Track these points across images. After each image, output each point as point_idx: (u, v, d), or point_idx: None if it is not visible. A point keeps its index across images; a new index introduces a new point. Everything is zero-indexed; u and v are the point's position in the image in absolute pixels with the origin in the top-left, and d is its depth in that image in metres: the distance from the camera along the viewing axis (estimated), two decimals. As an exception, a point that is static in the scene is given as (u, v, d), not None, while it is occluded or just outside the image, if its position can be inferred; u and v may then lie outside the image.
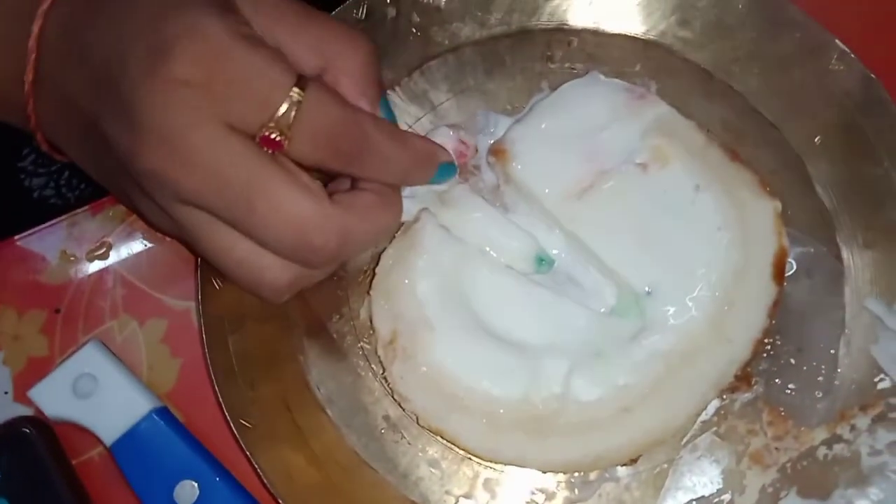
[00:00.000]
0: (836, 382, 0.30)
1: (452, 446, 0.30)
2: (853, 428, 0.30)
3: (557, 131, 0.32)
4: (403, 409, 0.30)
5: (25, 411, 0.32)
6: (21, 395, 0.33)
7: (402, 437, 0.31)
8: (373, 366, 0.32)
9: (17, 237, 0.36)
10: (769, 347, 0.31)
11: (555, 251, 0.31)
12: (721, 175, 0.31)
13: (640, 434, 0.28)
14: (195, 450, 0.30)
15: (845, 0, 0.38)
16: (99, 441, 0.31)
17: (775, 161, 0.34)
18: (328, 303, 0.33)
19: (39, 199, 0.58)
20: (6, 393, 0.33)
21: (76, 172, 0.59)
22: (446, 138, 0.33)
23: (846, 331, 0.31)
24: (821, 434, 0.30)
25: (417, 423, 0.30)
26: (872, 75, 0.33)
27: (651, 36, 0.36)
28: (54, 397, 0.30)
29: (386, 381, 0.31)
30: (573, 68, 0.36)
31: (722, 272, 0.29)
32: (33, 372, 0.33)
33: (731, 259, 0.29)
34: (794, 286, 0.32)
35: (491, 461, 0.29)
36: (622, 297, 0.30)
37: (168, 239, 0.35)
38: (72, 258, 0.35)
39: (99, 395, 0.30)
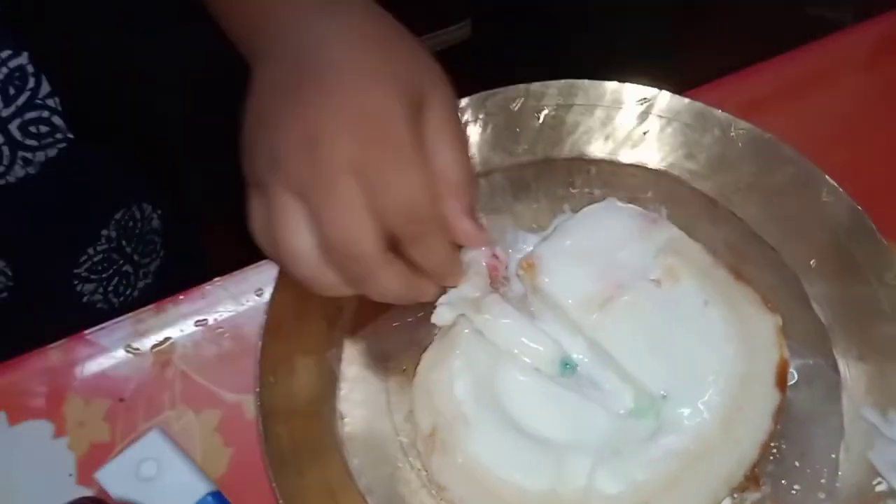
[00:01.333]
0: (838, 485, 0.33)
1: (484, 536, 0.32)
2: (855, 527, 0.32)
3: (580, 249, 0.36)
4: (441, 499, 0.33)
5: (88, 493, 0.35)
6: (84, 478, 0.35)
7: (437, 526, 0.33)
8: (409, 458, 0.35)
9: (86, 332, 0.39)
10: (775, 451, 0.34)
11: (577, 356, 0.35)
12: (726, 292, 0.35)
13: (658, 527, 0.31)
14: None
15: (834, 140, 0.43)
16: (157, 521, 0.33)
17: (775, 280, 0.38)
18: (372, 397, 0.36)
19: (87, 303, 0.62)
20: (70, 475, 0.36)
21: (123, 279, 0.63)
22: (480, 253, 0.37)
23: (845, 437, 0.34)
24: (825, 532, 0.32)
25: (453, 511, 0.32)
26: (858, 207, 0.38)
27: (661, 167, 0.41)
28: (119, 479, 0.33)
29: (421, 472, 0.34)
30: (592, 193, 0.41)
31: (729, 379, 0.33)
32: (95, 456, 0.36)
33: (737, 367, 0.33)
34: (796, 395, 0.35)
35: (520, 549, 0.32)
36: (639, 399, 0.34)
37: (226, 336, 0.38)
38: (136, 351, 0.38)
39: (159, 479, 0.33)
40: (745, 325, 0.34)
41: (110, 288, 0.62)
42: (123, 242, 0.60)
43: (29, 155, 0.51)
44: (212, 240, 0.69)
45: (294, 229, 0.31)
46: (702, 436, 0.32)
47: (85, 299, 0.61)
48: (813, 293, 0.37)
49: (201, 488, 0.33)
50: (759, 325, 0.34)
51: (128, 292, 0.63)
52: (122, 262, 0.61)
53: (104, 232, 0.59)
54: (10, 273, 0.57)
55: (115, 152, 0.54)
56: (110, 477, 0.33)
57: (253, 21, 0.36)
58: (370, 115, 0.30)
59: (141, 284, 0.64)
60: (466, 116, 0.41)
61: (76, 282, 0.60)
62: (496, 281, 0.37)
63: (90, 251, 0.59)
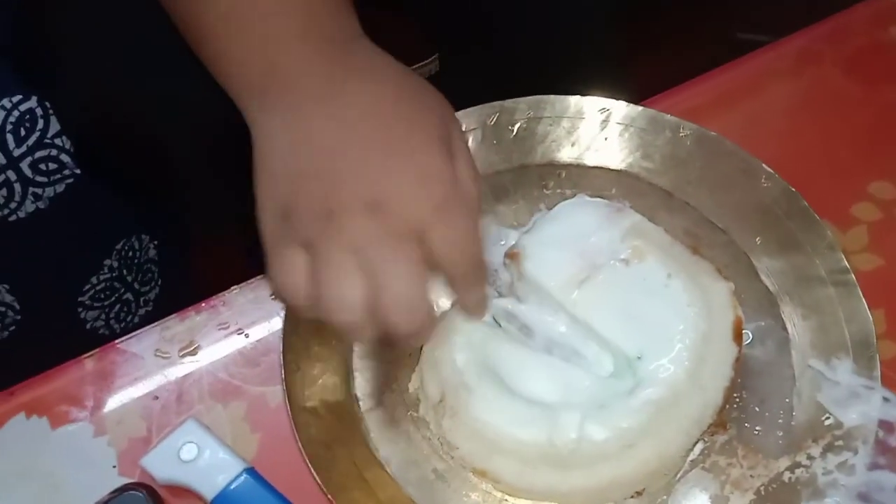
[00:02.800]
0: (793, 423, 0.38)
1: (491, 490, 0.37)
2: (809, 456, 0.37)
3: (557, 238, 0.41)
4: (452, 457, 0.37)
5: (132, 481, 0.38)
6: (125, 469, 0.39)
7: (449, 485, 0.38)
8: (420, 430, 0.39)
9: (117, 341, 0.43)
10: (738, 399, 0.39)
11: (562, 329, 0.40)
12: (686, 265, 0.40)
13: (642, 465, 0.36)
14: (281, 500, 0.36)
15: (767, 136, 0.49)
16: (200, 499, 0.37)
17: (727, 258, 0.43)
18: (383, 381, 0.40)
19: (90, 329, 0.65)
20: (114, 467, 0.39)
21: (124, 307, 0.66)
22: None
23: (796, 384, 0.39)
24: (784, 462, 0.37)
25: (464, 466, 0.37)
26: (793, 189, 0.44)
27: (622, 167, 0.47)
28: (162, 463, 0.37)
29: (431, 440, 0.38)
30: (563, 193, 0.46)
31: (693, 337, 0.38)
32: (135, 450, 0.39)
33: (699, 327, 0.38)
34: (752, 351, 0.40)
35: (526, 495, 0.36)
36: (618, 362, 0.39)
37: (245, 336, 0.42)
38: (165, 355, 0.42)
39: (199, 461, 0.37)
40: (704, 292, 0.39)
41: (112, 315, 0.65)
42: (125, 272, 0.64)
43: (39, 191, 0.55)
44: (210, 262, 0.73)
45: (349, 284, 0.31)
46: (673, 386, 0.37)
47: (88, 326, 0.64)
48: (760, 266, 0.43)
49: (237, 466, 0.37)
50: (715, 290, 0.39)
51: (129, 318, 0.67)
52: (123, 290, 0.65)
53: (106, 262, 0.62)
54: (17, 307, 0.60)
55: (117, 185, 0.58)
56: (154, 462, 0.37)
57: (256, 70, 0.36)
58: (433, 177, 0.33)
59: (141, 312, 0.67)
60: (448, 131, 0.46)
61: (80, 309, 0.63)
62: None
63: (93, 280, 0.62)
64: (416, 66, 0.66)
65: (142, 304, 0.67)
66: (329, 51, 0.36)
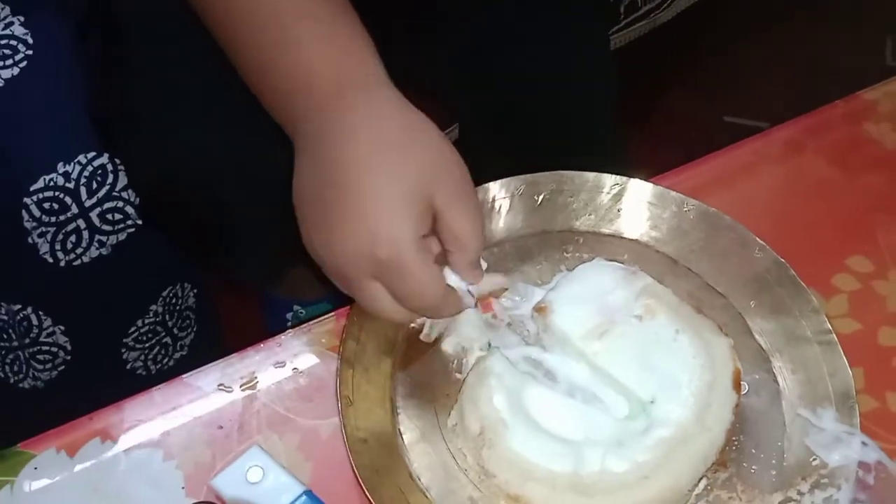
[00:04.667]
0: (784, 463, 0.44)
1: (522, 515, 0.42)
2: (799, 492, 0.43)
3: (579, 295, 0.47)
4: (489, 485, 0.42)
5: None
6: (192, 490, 0.44)
7: (483, 511, 0.42)
8: (457, 460, 0.44)
9: (184, 375, 0.48)
10: (736, 442, 0.44)
11: (583, 375, 0.45)
12: (692, 322, 0.46)
13: (657, 494, 0.41)
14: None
15: (760, 213, 0.55)
16: (264, 516, 0.41)
17: (725, 318, 0.49)
18: (425, 417, 0.45)
19: (130, 370, 0.70)
20: (182, 488, 0.44)
21: (162, 350, 0.71)
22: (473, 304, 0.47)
23: (787, 430, 0.45)
24: (778, 497, 0.42)
25: (499, 493, 0.42)
26: (782, 260, 0.50)
27: (633, 236, 0.53)
28: (231, 484, 0.42)
29: (468, 471, 0.43)
30: (581, 257, 0.52)
31: (699, 385, 0.43)
32: (200, 473, 0.44)
33: (704, 377, 0.44)
34: (749, 401, 0.46)
35: (554, 520, 0.41)
36: (632, 405, 0.44)
37: (300, 374, 0.48)
38: (228, 389, 0.47)
39: (264, 482, 0.42)
40: (707, 346, 0.45)
41: (150, 357, 0.70)
42: (167, 317, 0.69)
43: (103, 238, 0.61)
44: (241, 311, 0.78)
45: (380, 301, 0.41)
46: (682, 427, 0.42)
47: (128, 366, 0.69)
48: (754, 326, 0.49)
49: (297, 489, 0.42)
50: (717, 345, 0.45)
51: (165, 361, 0.72)
52: (163, 334, 0.70)
53: (153, 307, 0.67)
54: (68, 348, 0.65)
55: (172, 236, 0.63)
56: (224, 483, 0.42)
57: (285, 105, 0.45)
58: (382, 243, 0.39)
59: (177, 355, 0.72)
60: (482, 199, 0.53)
61: (124, 350, 0.68)
62: (501, 318, 0.48)
63: (139, 323, 0.67)
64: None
65: (178, 347, 0.72)
66: (349, 96, 0.43)
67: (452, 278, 0.42)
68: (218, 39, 0.48)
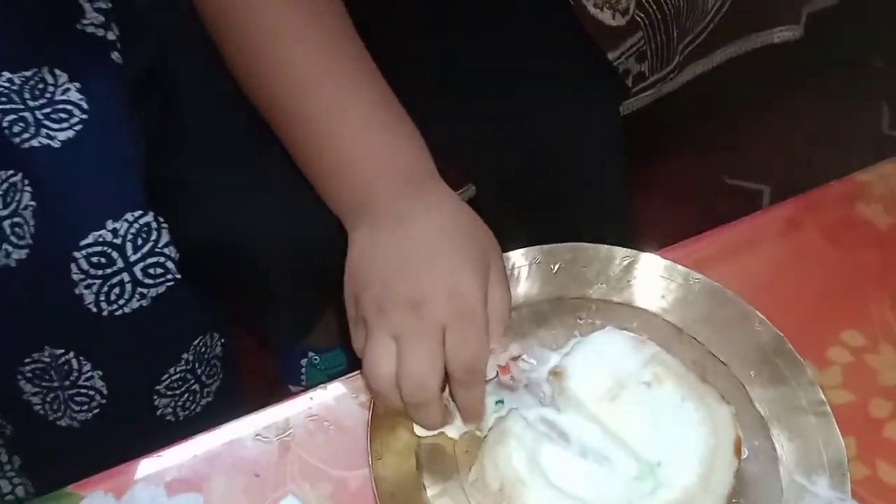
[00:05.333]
0: (781, 527, 0.47)
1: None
2: (794, 553, 0.46)
3: (593, 361, 0.51)
4: (508, 537, 0.45)
5: (238, 544, 0.46)
6: (230, 534, 0.47)
7: (501, 563, 0.46)
8: (478, 514, 0.47)
9: (223, 425, 0.51)
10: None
11: (595, 437, 0.49)
12: (696, 390, 0.50)
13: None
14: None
15: (760, 287, 0.59)
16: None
17: (727, 386, 0.53)
18: (447, 473, 0.49)
19: (160, 416, 0.73)
20: (222, 532, 0.47)
21: (191, 396, 0.75)
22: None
23: (784, 495, 0.48)
24: (775, 558, 0.46)
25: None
26: (780, 333, 0.54)
27: (641, 305, 0.57)
28: (268, 530, 0.45)
29: (487, 525, 0.47)
30: (594, 323, 0.56)
31: (703, 450, 0.47)
32: (238, 518, 0.47)
33: (708, 442, 0.47)
34: (748, 466, 0.50)
35: (567, 572, 0.44)
36: (641, 467, 0.48)
37: (331, 428, 0.51)
38: (265, 439, 0.51)
39: (298, 529, 0.45)
40: (711, 413, 0.49)
41: (179, 403, 0.74)
42: (196, 365, 0.73)
43: (144, 290, 0.65)
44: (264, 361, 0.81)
45: (384, 360, 0.45)
46: (687, 490, 0.46)
47: (159, 413, 0.73)
48: (754, 395, 0.53)
49: (329, 536, 0.45)
50: (720, 412, 0.49)
51: (192, 407, 0.75)
52: (192, 381, 0.73)
53: (184, 355, 0.71)
54: (104, 392, 0.69)
55: (207, 289, 0.68)
56: (262, 528, 0.45)
57: (352, 198, 0.50)
58: (460, 293, 0.45)
59: (203, 402, 0.76)
60: (503, 267, 0.57)
61: (156, 397, 0.72)
62: (518, 379, 0.52)
63: (171, 371, 0.71)
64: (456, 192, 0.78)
65: (205, 394, 0.76)
66: (408, 190, 0.49)
67: None
68: (266, 118, 0.53)
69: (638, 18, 1.01)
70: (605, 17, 1.00)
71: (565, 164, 0.77)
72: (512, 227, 0.60)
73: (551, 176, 0.77)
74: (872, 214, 0.65)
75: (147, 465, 0.50)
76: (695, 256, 0.60)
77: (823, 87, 1.42)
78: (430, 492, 0.48)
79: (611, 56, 1.01)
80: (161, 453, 0.50)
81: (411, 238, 0.48)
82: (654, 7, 1.02)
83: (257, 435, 0.51)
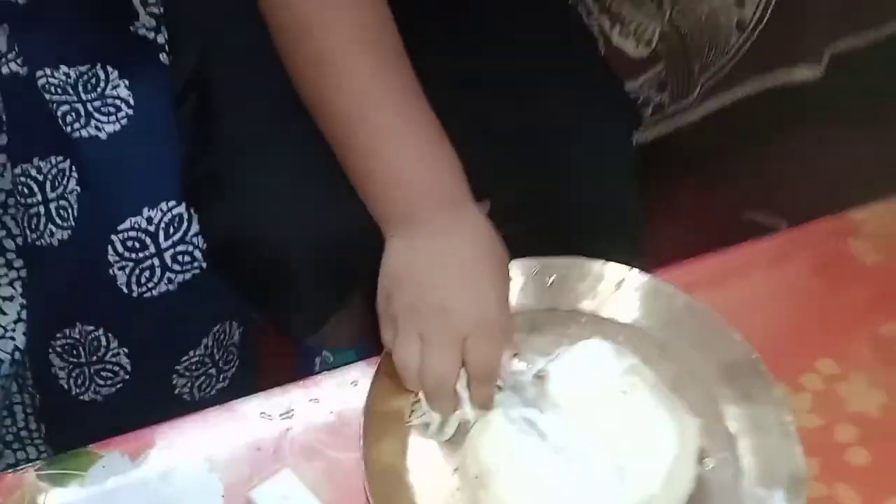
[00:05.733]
0: (737, 532, 0.50)
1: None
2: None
3: (575, 368, 0.55)
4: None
5: (237, 508, 0.51)
6: (230, 499, 0.52)
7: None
8: (454, 497, 0.51)
9: (231, 402, 0.56)
10: (698, 509, 0.51)
11: (570, 437, 0.53)
12: (668, 402, 0.53)
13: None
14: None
15: (746, 309, 0.63)
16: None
17: (703, 401, 0.56)
18: (432, 458, 0.53)
19: (177, 395, 0.78)
20: (222, 496, 0.52)
21: (207, 380, 0.80)
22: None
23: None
24: (727, 561, 0.49)
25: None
26: (756, 355, 0.57)
27: (628, 321, 0.61)
28: (265, 497, 0.50)
29: (464, 509, 0.51)
30: (582, 335, 0.60)
31: (667, 455, 0.50)
32: (238, 485, 0.52)
33: (672, 449, 0.51)
34: (714, 475, 0.53)
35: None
36: (609, 467, 0.51)
37: (329, 411, 0.56)
38: (269, 417, 0.55)
39: (292, 499, 0.50)
40: (679, 424, 0.52)
41: (196, 385, 0.79)
42: (214, 350, 0.78)
43: (172, 276, 0.70)
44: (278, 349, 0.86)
45: (411, 356, 0.53)
46: (648, 490, 0.49)
47: (176, 391, 0.78)
48: (726, 412, 0.56)
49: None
50: (687, 424, 0.52)
51: (207, 390, 0.80)
52: (210, 365, 0.79)
53: (204, 340, 0.76)
54: (129, 369, 0.74)
55: (229, 280, 0.73)
56: (258, 495, 0.50)
57: (395, 211, 0.57)
58: (484, 305, 0.53)
59: (219, 386, 0.81)
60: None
61: (174, 377, 0.77)
62: (505, 380, 0.56)
63: (190, 353, 0.76)
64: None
65: (220, 379, 0.81)
66: (444, 208, 0.56)
67: None
68: (322, 129, 0.59)
69: (660, 50, 1.05)
70: (629, 46, 1.04)
71: (574, 186, 0.81)
72: (521, 244, 0.64)
73: (560, 198, 0.81)
74: (861, 251, 0.68)
75: (162, 432, 0.55)
76: (686, 278, 0.64)
77: (847, 124, 1.44)
78: (415, 473, 0.53)
79: (631, 84, 1.05)
80: (175, 422, 0.55)
81: (445, 251, 0.55)
82: (677, 40, 1.05)
83: (262, 413, 0.56)
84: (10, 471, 0.52)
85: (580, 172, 0.80)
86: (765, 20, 1.10)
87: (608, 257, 0.62)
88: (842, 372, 0.60)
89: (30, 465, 0.53)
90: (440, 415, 0.54)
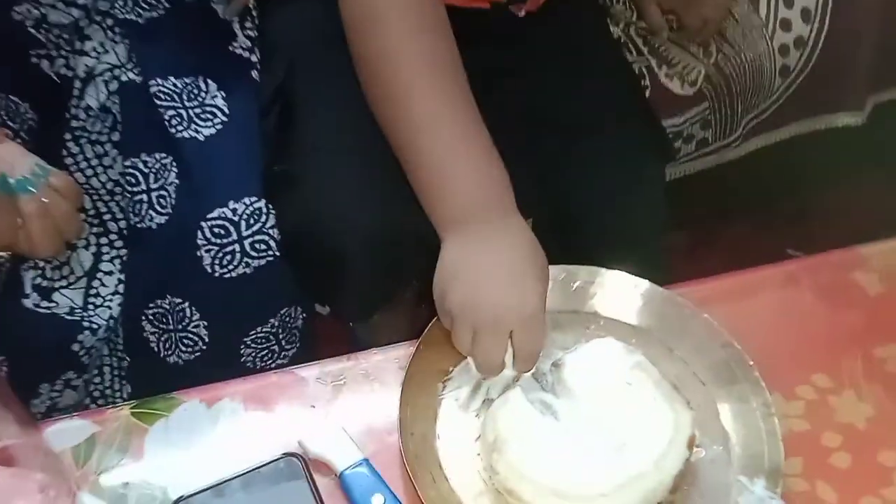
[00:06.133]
0: (720, 512, 0.58)
1: (514, 508, 0.57)
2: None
3: (589, 361, 0.63)
4: (493, 480, 0.58)
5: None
6: (285, 443, 0.61)
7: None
8: (474, 463, 0.60)
9: (292, 367, 0.66)
10: (686, 489, 0.59)
11: (579, 419, 0.61)
12: (668, 396, 0.61)
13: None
14: (382, 483, 0.58)
15: (756, 326, 0.70)
16: (333, 472, 0.59)
17: (701, 399, 0.64)
18: (456, 426, 0.62)
19: (242, 362, 0.89)
20: (279, 442, 0.62)
21: (270, 354, 0.90)
22: None
23: (727, 490, 0.59)
24: (706, 533, 0.56)
25: (500, 489, 0.58)
26: (751, 363, 0.65)
27: (642, 325, 0.69)
28: (316, 444, 0.59)
29: (480, 473, 0.59)
30: (599, 334, 0.68)
31: (661, 439, 0.58)
32: (294, 433, 0.62)
33: (667, 434, 0.59)
34: (704, 464, 0.60)
35: (535, 512, 0.57)
36: (610, 445, 0.59)
37: (374, 381, 0.65)
38: (323, 382, 0.65)
39: (338, 447, 0.59)
40: (676, 414, 0.60)
41: (258, 357, 0.89)
42: (279, 330, 0.88)
43: (249, 261, 0.81)
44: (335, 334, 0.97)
45: (465, 343, 0.62)
46: (642, 466, 0.57)
47: (243, 359, 0.88)
48: (722, 410, 0.64)
49: (360, 456, 0.59)
50: (682, 415, 0.60)
51: (269, 363, 0.91)
52: (273, 342, 0.89)
53: (271, 320, 0.87)
54: (206, 340, 0.85)
55: (297, 268, 0.83)
56: (310, 441, 0.59)
57: (453, 216, 0.66)
58: (527, 303, 0.62)
59: (279, 361, 0.91)
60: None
61: (242, 347, 0.87)
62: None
63: (258, 329, 0.87)
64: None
65: (281, 356, 0.91)
66: (494, 216, 0.66)
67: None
68: (389, 139, 0.69)
69: (705, 90, 1.13)
70: (674, 86, 1.12)
71: (607, 213, 0.90)
72: (553, 259, 0.73)
73: (592, 221, 0.90)
74: (866, 282, 0.74)
75: (233, 386, 0.65)
76: (699, 294, 0.71)
77: (889, 169, 1.47)
78: (442, 438, 0.62)
79: (676, 121, 1.13)
80: (244, 378, 0.65)
81: (495, 254, 0.64)
82: (721, 81, 1.13)
83: (318, 378, 0.66)
84: (109, 406, 0.63)
85: (612, 200, 0.89)
86: (808, 68, 1.17)
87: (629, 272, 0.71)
88: (834, 386, 0.67)
89: (126, 403, 0.63)
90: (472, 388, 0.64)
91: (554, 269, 0.70)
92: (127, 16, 0.87)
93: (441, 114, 0.67)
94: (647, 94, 1.09)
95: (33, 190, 0.67)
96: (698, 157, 1.20)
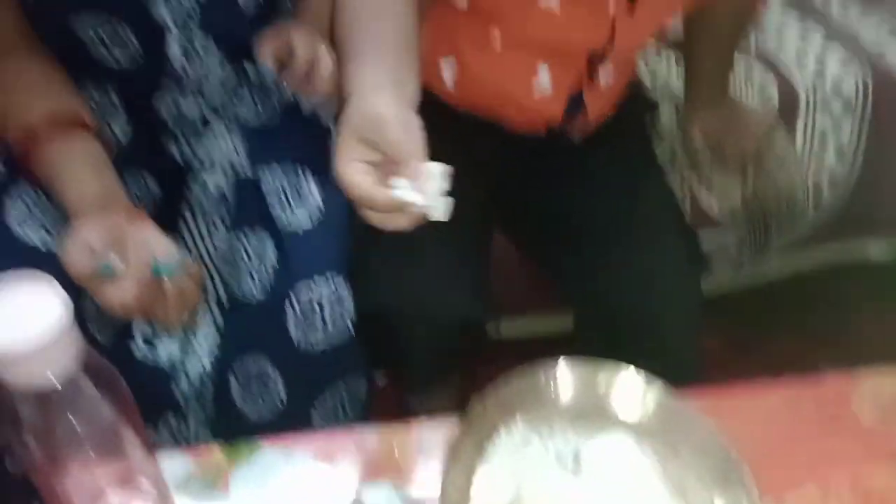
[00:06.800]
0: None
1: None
2: None
3: (605, 451, 0.75)
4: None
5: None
6: (345, 491, 0.74)
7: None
8: (500, 527, 0.72)
9: (354, 427, 0.80)
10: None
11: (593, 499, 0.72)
12: (670, 489, 0.72)
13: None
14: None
15: (757, 435, 0.80)
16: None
17: (698, 497, 0.74)
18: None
19: (313, 424, 1.02)
20: (339, 488, 0.74)
21: (336, 418, 1.03)
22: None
23: None
24: None
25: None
26: (746, 468, 0.75)
27: (651, 427, 0.80)
28: (373, 497, 0.72)
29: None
30: (614, 429, 0.80)
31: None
32: (351, 483, 0.74)
33: (664, 521, 0.69)
34: None
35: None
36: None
37: (425, 452, 0.78)
38: (380, 440, 0.78)
39: (388, 499, 0.72)
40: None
41: (326, 418, 1.02)
42: (345, 395, 1.02)
43: (328, 338, 0.95)
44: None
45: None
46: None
47: (313, 422, 1.02)
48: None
49: (404, 510, 0.71)
50: (678, 505, 0.71)
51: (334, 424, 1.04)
52: (340, 410, 1.02)
53: (341, 390, 1.00)
54: (284, 400, 0.99)
55: (366, 344, 0.97)
56: (367, 494, 0.72)
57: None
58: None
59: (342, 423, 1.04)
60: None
61: (312, 410, 1.01)
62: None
63: (327, 394, 1.00)
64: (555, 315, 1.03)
65: (345, 420, 1.04)
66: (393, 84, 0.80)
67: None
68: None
69: (740, 212, 1.25)
70: (712, 204, 1.24)
71: (647, 322, 1.02)
72: (599, 350, 0.85)
73: (630, 324, 1.02)
74: (859, 409, 0.84)
75: (307, 439, 0.78)
76: (707, 402, 0.82)
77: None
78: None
79: (710, 236, 1.25)
80: (316, 434, 0.79)
81: None
82: (756, 205, 1.25)
83: (377, 438, 0.79)
84: (206, 443, 0.77)
85: (651, 309, 1.01)
86: (842, 203, 1.28)
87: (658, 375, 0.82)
88: (820, 497, 0.76)
89: (217, 442, 0.78)
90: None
91: (581, 365, 0.83)
92: (247, 115, 1.04)
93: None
94: (688, 207, 1.21)
95: (176, 273, 0.83)
96: (731, 276, 1.31)
